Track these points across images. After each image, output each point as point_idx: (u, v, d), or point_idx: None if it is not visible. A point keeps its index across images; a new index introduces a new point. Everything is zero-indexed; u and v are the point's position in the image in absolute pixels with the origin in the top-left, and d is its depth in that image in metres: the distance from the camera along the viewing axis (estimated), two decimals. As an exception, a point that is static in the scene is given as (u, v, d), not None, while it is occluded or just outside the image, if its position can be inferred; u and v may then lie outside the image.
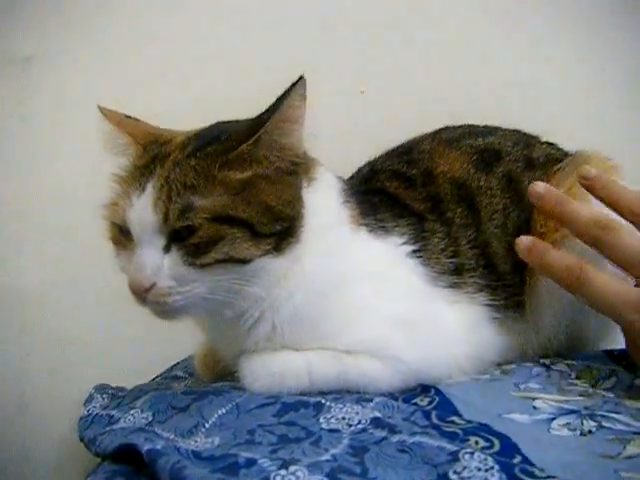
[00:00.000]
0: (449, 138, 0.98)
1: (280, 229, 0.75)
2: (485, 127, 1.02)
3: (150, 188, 0.73)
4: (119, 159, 0.82)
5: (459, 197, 0.92)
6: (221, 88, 1.31)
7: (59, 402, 1.27)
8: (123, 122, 0.83)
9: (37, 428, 1.31)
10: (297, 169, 0.77)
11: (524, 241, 0.82)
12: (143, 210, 0.73)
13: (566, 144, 1.01)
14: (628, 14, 1.41)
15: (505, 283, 0.89)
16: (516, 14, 1.44)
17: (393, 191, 0.92)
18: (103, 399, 0.92)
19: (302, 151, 0.77)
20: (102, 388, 0.96)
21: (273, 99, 0.75)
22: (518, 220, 0.92)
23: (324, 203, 0.82)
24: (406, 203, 0.90)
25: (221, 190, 0.72)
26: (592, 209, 0.82)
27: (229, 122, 0.82)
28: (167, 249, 0.73)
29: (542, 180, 0.87)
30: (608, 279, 0.78)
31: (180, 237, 0.72)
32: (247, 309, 0.78)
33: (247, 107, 0.77)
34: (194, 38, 1.38)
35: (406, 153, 0.98)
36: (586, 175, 0.82)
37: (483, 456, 0.57)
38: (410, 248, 0.85)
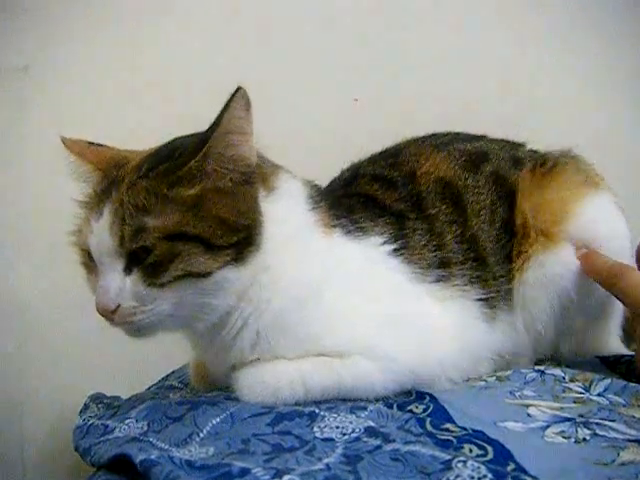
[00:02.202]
0: (437, 142, 0.99)
1: (237, 240, 0.75)
2: (472, 134, 1.03)
3: (106, 213, 0.74)
4: (83, 186, 0.83)
5: (444, 195, 0.92)
6: (215, 99, 1.32)
7: (55, 411, 1.27)
8: (84, 151, 0.84)
9: (33, 437, 1.31)
10: (251, 179, 0.77)
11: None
12: (101, 234, 0.74)
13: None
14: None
15: (495, 275, 0.90)
16: (510, 20, 1.45)
17: (372, 193, 0.93)
18: (98, 409, 0.92)
19: (253, 161, 0.77)
20: (97, 397, 0.96)
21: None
22: (504, 214, 0.93)
23: (287, 210, 0.82)
24: (385, 203, 0.91)
25: (172, 208, 0.73)
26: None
27: (185, 137, 0.82)
28: (128, 271, 0.74)
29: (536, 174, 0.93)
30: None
31: (138, 258, 0.72)
32: (225, 320, 0.78)
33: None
34: (190, 48, 1.39)
35: (392, 156, 0.98)
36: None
37: (476, 464, 0.57)
38: (391, 247, 0.85)
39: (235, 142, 0.74)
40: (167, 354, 0.88)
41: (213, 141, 0.73)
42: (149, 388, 1.04)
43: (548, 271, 0.90)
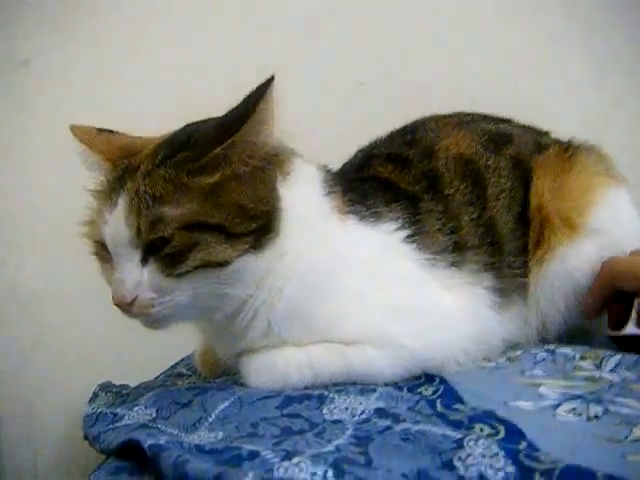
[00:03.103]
0: (460, 120, 0.97)
1: (256, 227, 0.74)
2: (497, 117, 1.01)
3: (121, 202, 0.72)
4: (94, 175, 0.81)
5: (463, 173, 0.90)
6: (219, 86, 1.31)
7: (63, 400, 1.28)
8: (94, 139, 0.82)
9: (42, 427, 1.32)
10: (269, 165, 0.76)
11: None
12: (116, 225, 0.72)
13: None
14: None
15: (510, 264, 0.88)
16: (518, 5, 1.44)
17: (386, 176, 0.91)
18: (107, 397, 0.91)
19: (273, 147, 0.76)
20: (106, 386, 0.96)
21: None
22: (522, 201, 0.91)
23: (303, 195, 0.80)
24: (399, 187, 0.89)
25: (191, 197, 0.71)
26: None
27: (197, 123, 0.80)
28: (145, 262, 0.72)
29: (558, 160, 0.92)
30: None
31: (155, 249, 0.71)
32: (239, 309, 0.77)
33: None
34: (191, 39, 1.38)
35: (409, 133, 0.97)
36: None
37: (488, 442, 0.57)
38: (405, 233, 0.84)
39: (262, 130, 0.72)
40: (176, 342, 0.87)
41: (244, 129, 0.71)
42: (158, 376, 1.04)
43: (568, 265, 0.88)
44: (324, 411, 0.68)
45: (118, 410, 0.81)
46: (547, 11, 1.43)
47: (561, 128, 1.00)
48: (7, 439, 1.31)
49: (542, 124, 1.02)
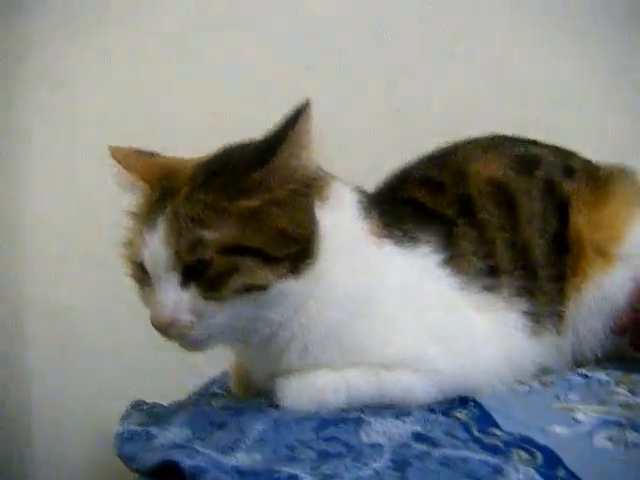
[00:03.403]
0: (489, 143, 0.98)
1: (295, 251, 0.73)
2: (525, 138, 1.01)
3: (161, 225, 0.72)
4: (133, 196, 0.82)
5: (495, 197, 0.90)
6: (252, 106, 1.32)
7: (95, 418, 1.28)
8: (132, 161, 0.82)
9: (72, 445, 1.32)
10: (308, 189, 0.75)
11: None
12: (156, 247, 0.72)
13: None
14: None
15: (545, 289, 0.88)
16: (553, 27, 1.44)
17: (421, 199, 0.91)
18: (140, 415, 0.91)
19: (312, 171, 0.75)
20: (139, 404, 0.95)
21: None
22: (556, 225, 0.91)
23: (341, 220, 0.80)
24: (434, 210, 0.89)
25: (231, 221, 0.71)
26: None
27: (237, 146, 0.80)
28: (184, 284, 0.72)
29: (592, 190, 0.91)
30: None
31: (195, 272, 0.71)
32: (276, 332, 0.77)
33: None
34: (226, 58, 1.39)
35: (441, 157, 0.97)
36: None
37: (526, 469, 0.57)
38: (439, 257, 0.84)
39: (299, 154, 0.72)
40: (208, 361, 0.88)
41: (280, 154, 0.71)
42: (190, 396, 1.05)
43: (606, 294, 0.88)
44: (361, 434, 0.68)
45: (152, 429, 0.81)
46: (582, 42, 1.43)
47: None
48: (36, 458, 1.32)
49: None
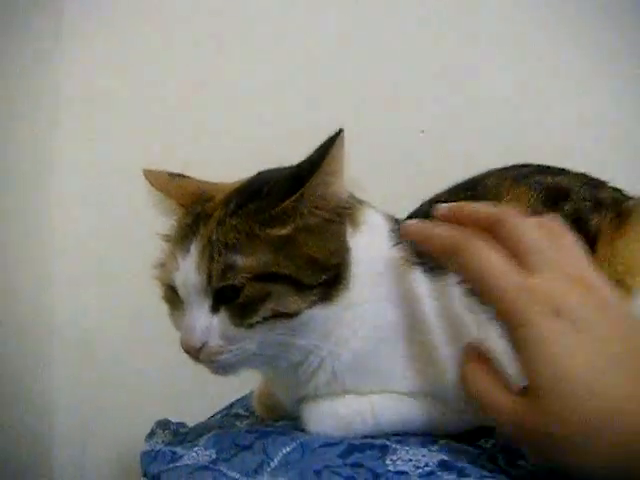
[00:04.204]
0: (517, 174, 0.96)
1: (326, 278, 0.73)
2: (553, 167, 1.00)
3: (194, 249, 0.73)
4: (166, 219, 0.82)
5: None
6: (282, 128, 1.34)
7: (117, 437, 1.29)
8: (167, 184, 0.83)
9: (96, 463, 1.33)
10: (339, 217, 0.76)
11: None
12: (188, 271, 0.73)
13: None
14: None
15: None
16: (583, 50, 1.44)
17: None
18: (165, 435, 0.92)
19: (344, 199, 0.75)
20: (164, 424, 0.96)
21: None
22: None
23: (372, 247, 0.80)
24: None
25: (263, 248, 0.71)
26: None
27: (270, 172, 0.81)
28: (215, 309, 0.73)
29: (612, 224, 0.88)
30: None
31: (226, 297, 0.72)
32: (305, 358, 0.77)
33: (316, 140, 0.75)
34: (256, 82, 1.42)
35: (471, 188, 0.96)
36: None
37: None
38: (467, 285, 0.82)
39: (331, 182, 0.73)
40: (231, 381, 0.88)
41: (311, 182, 0.72)
42: (214, 415, 1.05)
43: None
44: (387, 461, 0.68)
45: (177, 449, 0.81)
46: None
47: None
48: (61, 476, 1.32)
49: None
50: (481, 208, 0.74)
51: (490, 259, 0.66)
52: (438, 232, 0.73)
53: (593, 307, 0.62)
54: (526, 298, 0.62)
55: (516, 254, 0.66)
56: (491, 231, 0.69)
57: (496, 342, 0.78)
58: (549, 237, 0.68)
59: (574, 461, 0.58)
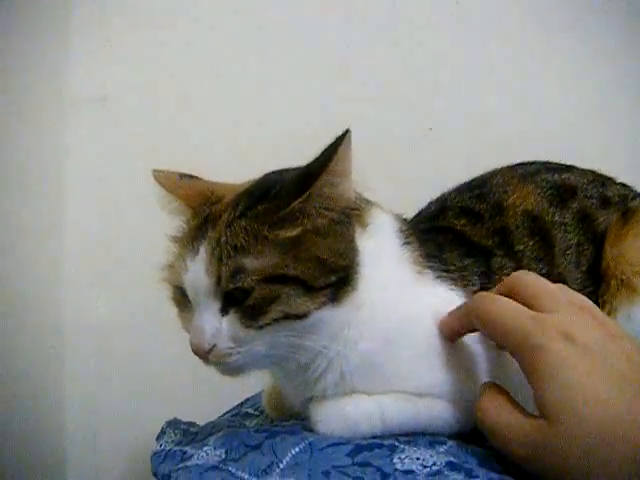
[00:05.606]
0: (524, 172, 0.97)
1: (335, 280, 0.73)
2: (560, 164, 1.01)
3: (202, 251, 0.73)
4: (174, 220, 0.83)
5: (531, 230, 0.90)
6: (294, 127, 1.34)
7: (127, 437, 1.29)
8: (176, 185, 0.83)
9: (107, 463, 1.34)
10: (347, 218, 0.76)
11: None
12: (197, 273, 0.73)
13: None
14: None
15: None
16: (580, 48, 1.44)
17: (460, 228, 0.91)
18: (175, 435, 0.92)
19: (352, 200, 0.76)
20: (174, 423, 0.96)
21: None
22: (591, 257, 0.90)
23: (381, 247, 0.80)
24: (473, 241, 0.89)
25: (272, 249, 0.72)
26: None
27: (279, 173, 0.81)
28: (224, 311, 0.73)
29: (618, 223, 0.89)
30: None
31: (235, 299, 0.72)
32: (313, 359, 0.77)
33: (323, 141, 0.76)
34: (268, 80, 1.42)
35: (478, 187, 0.97)
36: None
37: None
38: (478, 288, 0.84)
39: (339, 183, 0.73)
40: (241, 380, 0.88)
41: (319, 183, 0.72)
42: (223, 415, 1.05)
43: (635, 326, 0.86)
44: (395, 460, 0.68)
45: (187, 449, 0.82)
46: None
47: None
48: (72, 475, 1.33)
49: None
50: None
51: (505, 301, 0.71)
52: (452, 314, 0.77)
53: (602, 335, 0.66)
54: (538, 325, 0.66)
55: (529, 302, 0.70)
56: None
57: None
58: (560, 288, 0.73)
59: None
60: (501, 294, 0.74)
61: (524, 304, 0.70)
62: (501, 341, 0.71)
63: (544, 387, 0.63)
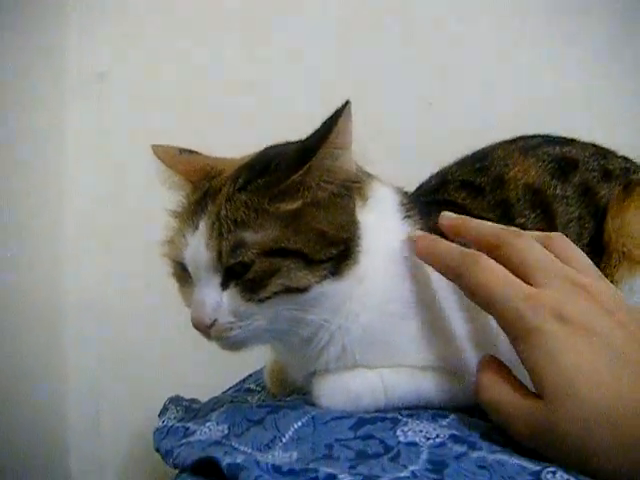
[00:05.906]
0: (525, 145, 0.96)
1: (336, 253, 0.73)
2: (562, 138, 1.00)
3: (202, 225, 0.73)
4: (174, 195, 0.82)
5: (533, 203, 0.90)
6: (295, 102, 1.33)
7: (130, 415, 1.30)
8: (175, 160, 0.82)
9: (110, 441, 1.34)
10: (348, 191, 0.75)
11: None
12: (197, 248, 0.72)
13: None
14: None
15: None
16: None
17: (461, 202, 0.90)
18: (177, 411, 0.92)
19: (353, 172, 0.75)
20: (176, 400, 0.97)
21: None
22: (593, 230, 0.90)
23: (381, 220, 0.80)
24: (474, 214, 0.87)
25: (272, 223, 0.71)
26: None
27: (278, 147, 0.80)
28: (225, 286, 0.73)
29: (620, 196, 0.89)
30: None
31: (236, 273, 0.71)
32: (315, 333, 0.77)
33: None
34: (270, 55, 1.41)
35: (479, 160, 0.96)
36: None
37: (566, 476, 0.57)
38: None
39: (339, 155, 0.72)
40: (243, 357, 0.88)
41: (319, 155, 0.71)
42: (226, 391, 1.05)
43: (638, 296, 0.86)
44: (398, 432, 0.68)
45: (189, 425, 0.82)
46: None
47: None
48: (75, 454, 1.34)
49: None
50: (485, 227, 0.76)
51: (496, 272, 0.68)
52: (443, 250, 0.74)
53: (598, 311, 0.64)
54: (532, 306, 0.64)
55: (521, 274, 0.68)
56: (494, 252, 0.71)
57: None
58: (553, 253, 0.70)
59: (588, 460, 0.59)
60: (492, 247, 0.72)
61: (513, 271, 0.68)
62: (489, 313, 0.69)
63: (542, 371, 0.62)
